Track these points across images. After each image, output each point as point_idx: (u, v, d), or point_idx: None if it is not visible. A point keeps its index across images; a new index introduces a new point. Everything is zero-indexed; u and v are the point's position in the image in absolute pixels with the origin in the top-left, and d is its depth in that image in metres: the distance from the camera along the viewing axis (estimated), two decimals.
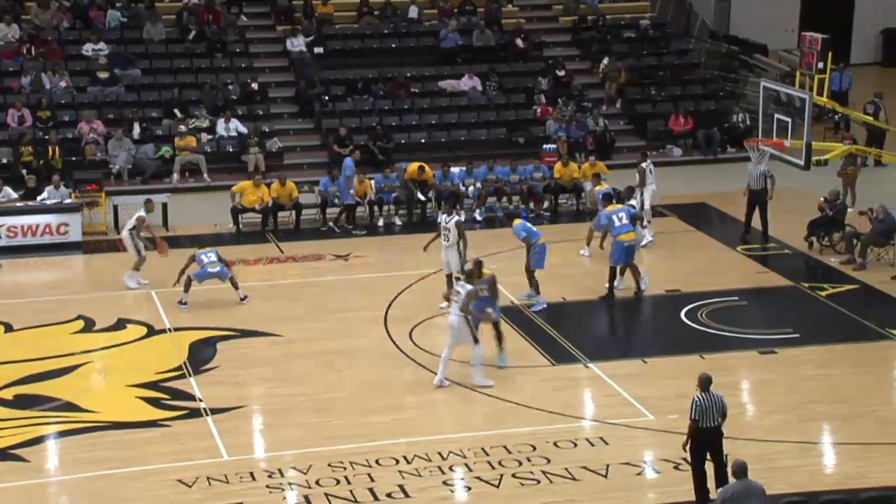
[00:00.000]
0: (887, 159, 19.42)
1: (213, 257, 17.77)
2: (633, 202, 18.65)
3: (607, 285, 17.63)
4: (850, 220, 20.01)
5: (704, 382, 11.60)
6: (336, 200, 21.74)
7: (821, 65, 17.36)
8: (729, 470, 11.03)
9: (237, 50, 27.70)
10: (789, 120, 17.38)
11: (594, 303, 17.24)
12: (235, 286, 17.83)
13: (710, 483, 11.62)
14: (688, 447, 11.62)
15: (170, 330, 16.73)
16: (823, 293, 17.91)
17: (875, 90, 26.32)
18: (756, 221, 20.09)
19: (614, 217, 17.64)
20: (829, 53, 17.64)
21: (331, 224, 21.55)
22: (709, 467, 11.66)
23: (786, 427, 12.94)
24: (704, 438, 11.53)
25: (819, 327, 16.85)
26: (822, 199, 19.55)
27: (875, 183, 21.56)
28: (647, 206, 20.02)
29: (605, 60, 25.26)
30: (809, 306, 17.71)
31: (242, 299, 17.79)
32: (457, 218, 17.02)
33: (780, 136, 17.51)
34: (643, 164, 20.37)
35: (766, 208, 19.53)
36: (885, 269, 18.68)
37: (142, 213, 18.60)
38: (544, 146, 24.53)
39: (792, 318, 17.15)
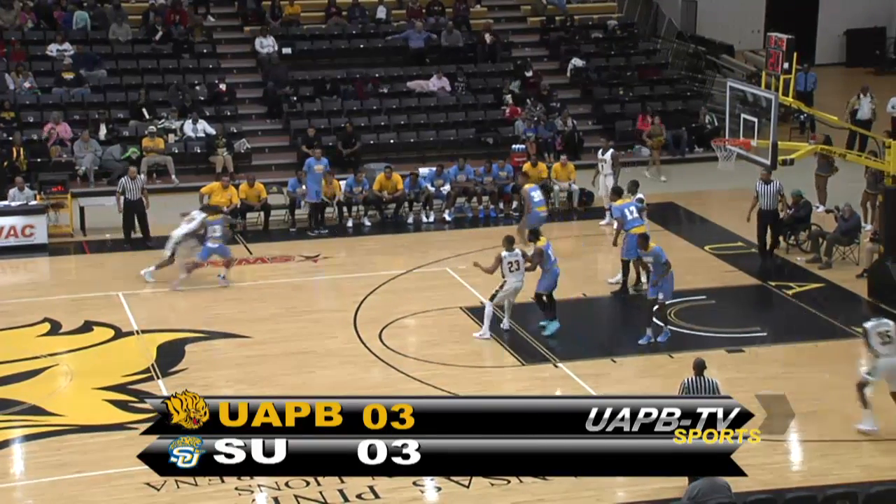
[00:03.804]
0: (852, 159, 19.57)
1: (219, 232, 18.08)
2: (640, 195, 18.79)
3: (620, 279, 17.83)
4: (815, 218, 20.19)
5: (698, 367, 11.93)
6: (302, 202, 21.66)
7: (786, 65, 17.48)
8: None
9: (204, 51, 27.56)
10: (756, 120, 17.46)
11: (562, 303, 17.27)
12: (228, 266, 18.29)
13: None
14: None
15: (138, 332, 16.62)
16: (790, 292, 18.05)
17: (840, 89, 26.60)
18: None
19: (626, 211, 17.76)
20: (795, 54, 17.77)
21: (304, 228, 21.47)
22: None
23: (753, 425, 12.99)
24: None
25: (786, 326, 16.99)
26: (785, 202, 19.58)
27: (842, 182, 21.75)
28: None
29: (653, 121, 25.47)
30: (776, 305, 17.85)
31: (222, 277, 18.24)
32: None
33: (747, 135, 17.58)
34: (610, 153, 21.52)
35: (777, 228, 19.39)
36: (851, 267, 18.85)
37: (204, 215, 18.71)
38: (513, 146, 24.59)
39: (759, 316, 17.29)
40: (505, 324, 16.40)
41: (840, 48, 35.55)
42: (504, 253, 16.06)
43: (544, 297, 16.44)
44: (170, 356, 15.78)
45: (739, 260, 19.47)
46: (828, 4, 35.47)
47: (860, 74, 32.23)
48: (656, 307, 15.90)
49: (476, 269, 16.55)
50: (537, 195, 19.68)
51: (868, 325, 13.32)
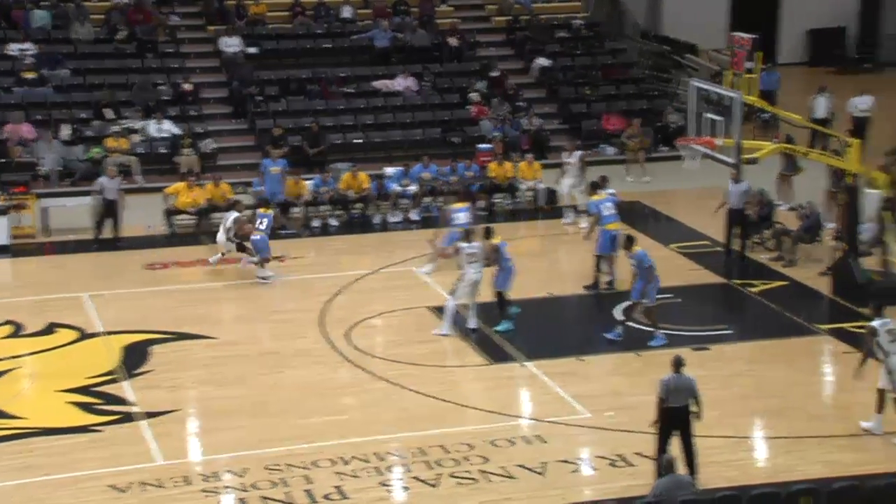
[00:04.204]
0: (815, 158, 19.74)
1: (265, 224, 18.47)
2: (611, 189, 18.87)
3: (595, 274, 18.01)
4: (779, 217, 20.36)
5: (676, 363, 12.03)
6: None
7: (750, 64, 17.62)
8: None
9: (168, 50, 27.39)
10: (720, 119, 17.59)
11: (529, 302, 17.34)
12: (261, 263, 18.49)
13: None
14: (655, 425, 12.04)
15: (102, 334, 16.48)
16: (754, 290, 18.19)
17: (803, 88, 26.85)
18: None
19: (602, 207, 17.98)
20: (758, 53, 17.91)
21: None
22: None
23: (718, 422, 13.11)
24: (671, 418, 11.92)
25: (750, 323, 17.13)
26: (748, 203, 19.61)
27: (806, 180, 21.92)
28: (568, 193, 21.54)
29: (632, 122, 25.12)
30: (741, 303, 17.98)
31: (256, 270, 18.51)
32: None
33: (712, 135, 17.71)
34: (577, 154, 21.70)
35: (745, 228, 19.48)
36: (814, 265, 19.02)
37: (235, 214, 19.02)
38: (479, 146, 24.63)
39: (724, 314, 17.41)
40: (472, 323, 16.42)
41: (803, 48, 35.87)
42: (463, 244, 16.14)
43: (503, 296, 16.50)
44: (135, 357, 15.65)
45: (705, 258, 19.59)
46: (790, 4, 35.77)
47: (822, 74, 32.52)
48: (643, 310, 15.93)
49: (432, 250, 16.74)
50: (462, 217, 18.91)
51: (875, 323, 13.14)
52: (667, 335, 15.97)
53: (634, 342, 15.98)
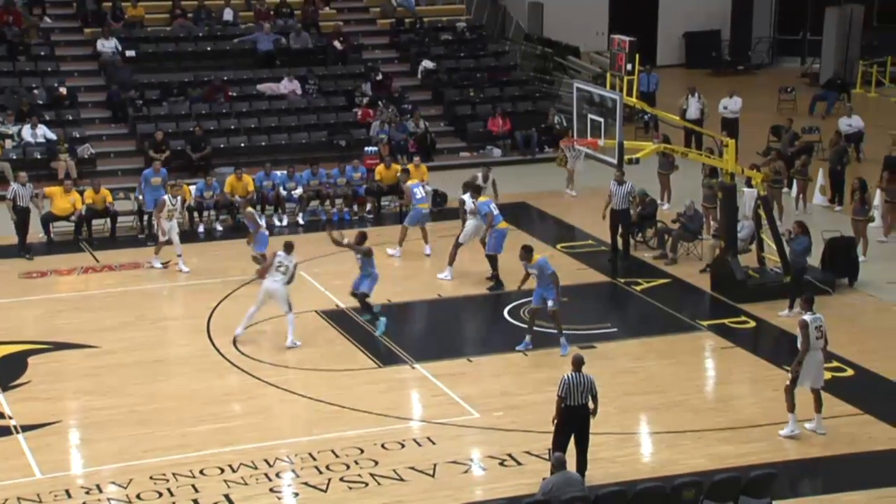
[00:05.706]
0: (694, 157, 20.21)
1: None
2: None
3: (493, 273, 18.21)
4: (661, 216, 20.80)
5: (577, 363, 12.18)
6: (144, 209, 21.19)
7: (629, 66, 17.94)
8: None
9: (42, 53, 26.63)
10: (602, 120, 17.85)
11: (418, 304, 17.35)
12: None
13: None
14: (554, 423, 12.14)
15: None
16: (638, 288, 18.52)
17: (681, 90, 27.48)
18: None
19: (491, 207, 18.31)
20: (637, 55, 18.25)
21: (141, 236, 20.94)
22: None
23: (605, 419, 13.29)
24: (571, 416, 12.06)
25: (635, 321, 17.43)
26: (635, 203, 19.97)
27: (690, 179, 22.40)
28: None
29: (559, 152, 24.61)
30: (626, 301, 18.30)
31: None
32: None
33: (594, 135, 17.96)
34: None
35: (628, 228, 19.76)
36: (694, 262, 19.48)
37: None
38: (366, 149, 24.56)
39: (610, 312, 17.69)
40: (289, 341, 15.94)
41: (679, 50, 36.78)
42: (280, 253, 16.00)
43: (365, 298, 16.35)
44: (11, 369, 15.15)
45: (590, 258, 19.87)
46: (667, 7, 36.64)
47: (699, 76, 33.35)
48: (549, 314, 15.85)
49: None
50: (420, 192, 19.95)
51: (808, 317, 13.23)
52: (556, 334, 16.08)
53: (522, 341, 16.09)
